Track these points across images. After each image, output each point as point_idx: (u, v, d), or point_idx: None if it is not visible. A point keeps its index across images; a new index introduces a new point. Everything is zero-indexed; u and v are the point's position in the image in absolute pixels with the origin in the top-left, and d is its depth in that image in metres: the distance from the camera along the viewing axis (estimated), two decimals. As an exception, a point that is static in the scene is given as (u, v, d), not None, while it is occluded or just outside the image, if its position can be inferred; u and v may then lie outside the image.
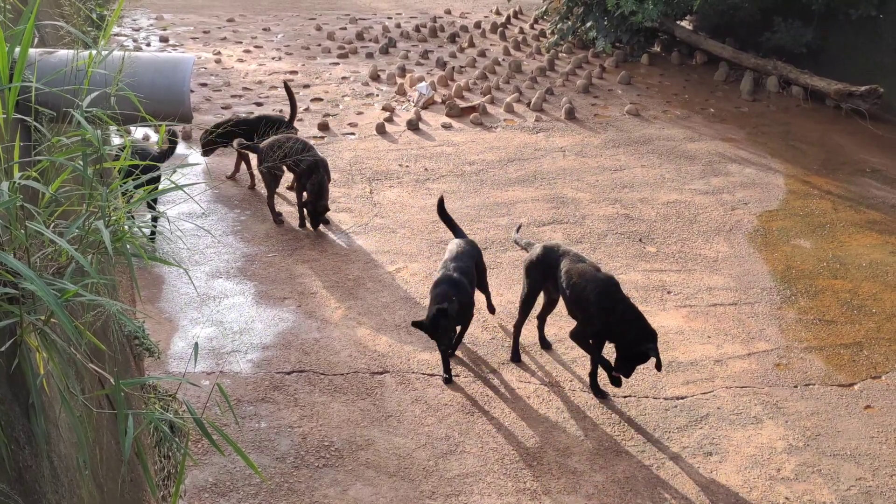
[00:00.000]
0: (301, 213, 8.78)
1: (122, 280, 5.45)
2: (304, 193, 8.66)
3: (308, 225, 8.73)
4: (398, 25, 16.95)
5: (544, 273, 6.62)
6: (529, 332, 7.01)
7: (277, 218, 8.94)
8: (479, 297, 7.03)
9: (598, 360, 6.39)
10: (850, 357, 7.05)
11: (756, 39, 14.19)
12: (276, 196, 9.06)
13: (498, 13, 18.11)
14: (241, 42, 15.31)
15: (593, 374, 6.50)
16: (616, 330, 6.20)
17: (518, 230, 7.35)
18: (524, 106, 12.49)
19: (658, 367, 6.15)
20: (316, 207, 8.55)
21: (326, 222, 8.85)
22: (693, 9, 14.47)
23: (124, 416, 2.71)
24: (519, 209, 9.37)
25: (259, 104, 12.23)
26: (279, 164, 8.59)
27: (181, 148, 10.34)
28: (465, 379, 6.60)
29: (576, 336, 6.42)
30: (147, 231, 3.30)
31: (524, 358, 6.87)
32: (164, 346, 6.71)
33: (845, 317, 7.61)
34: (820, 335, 7.33)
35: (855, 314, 7.65)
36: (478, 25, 16.99)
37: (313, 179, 8.50)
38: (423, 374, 6.62)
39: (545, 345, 7.02)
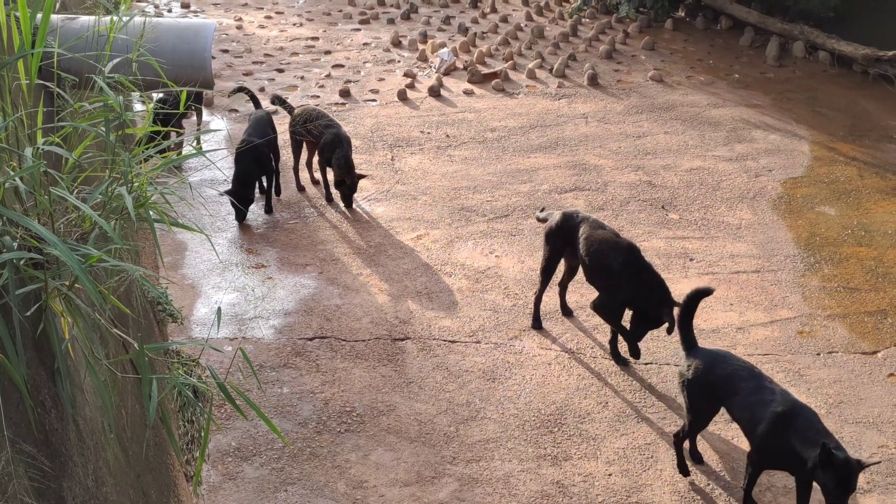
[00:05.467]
0: (326, 186, 8.74)
1: (144, 246, 5.49)
2: (328, 168, 8.59)
3: (341, 203, 8.56)
4: (420, -9, 16.82)
5: (564, 240, 6.60)
6: (551, 300, 7.00)
7: (299, 185, 8.95)
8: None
9: (617, 328, 6.39)
10: (874, 325, 7.00)
11: (782, 3, 13.96)
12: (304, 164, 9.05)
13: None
14: (262, 8, 15.25)
15: (614, 342, 6.50)
16: (639, 296, 6.18)
17: (542, 210, 7.26)
18: (546, 72, 12.40)
19: (669, 330, 6.16)
20: (354, 179, 8.42)
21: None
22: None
23: (148, 380, 2.74)
24: (541, 176, 9.33)
25: (280, 70, 12.21)
26: (301, 131, 8.57)
27: (203, 115, 10.36)
28: (486, 346, 6.62)
29: (598, 307, 6.40)
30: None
31: (545, 325, 6.87)
32: (187, 311, 6.75)
33: (869, 284, 7.55)
34: (843, 303, 7.28)
35: (879, 282, 7.59)
36: (500, -10, 16.83)
37: (338, 154, 8.36)
38: (445, 340, 6.64)
39: (566, 312, 7.02)
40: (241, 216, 8.25)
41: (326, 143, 8.44)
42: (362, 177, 8.55)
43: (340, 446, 5.58)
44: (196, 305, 6.97)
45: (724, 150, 10.11)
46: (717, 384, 5.15)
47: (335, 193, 8.67)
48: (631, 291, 6.21)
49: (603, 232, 6.40)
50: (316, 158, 8.90)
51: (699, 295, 5.45)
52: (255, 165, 8.16)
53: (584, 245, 6.39)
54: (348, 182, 8.40)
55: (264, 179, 8.56)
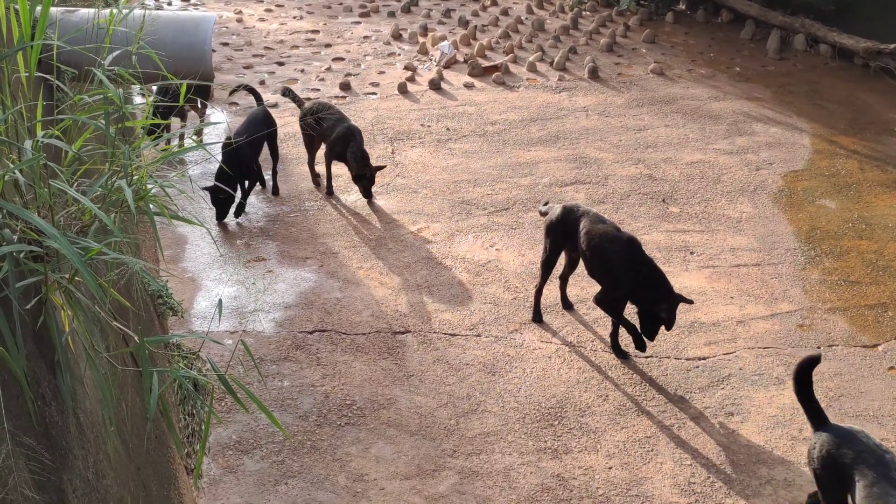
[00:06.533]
0: (329, 180, 8.73)
1: (144, 239, 5.48)
2: (335, 162, 8.59)
3: (342, 196, 8.53)
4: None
5: (564, 234, 6.60)
6: (551, 293, 7.00)
7: (315, 179, 8.93)
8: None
9: (620, 321, 6.39)
10: (875, 318, 7.00)
11: (783, -4, 13.97)
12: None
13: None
14: (262, 1, 15.22)
15: (614, 335, 6.50)
16: (639, 292, 6.19)
17: (545, 204, 7.26)
18: (547, 65, 12.38)
19: (668, 326, 6.18)
20: (372, 171, 8.39)
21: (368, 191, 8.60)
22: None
23: (149, 373, 2.73)
24: (541, 169, 9.32)
25: (281, 63, 12.19)
26: (310, 125, 8.56)
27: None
28: (487, 339, 6.62)
29: (600, 301, 6.40)
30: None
31: (546, 318, 6.87)
32: (188, 304, 6.76)
33: (870, 278, 7.55)
34: (844, 296, 7.27)
35: (880, 275, 7.59)
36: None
37: (353, 148, 8.35)
38: (445, 333, 6.65)
39: (567, 305, 7.01)
40: (220, 214, 8.10)
41: (339, 138, 8.42)
42: (380, 168, 8.54)
43: (341, 439, 5.58)
44: (196, 299, 6.98)
45: (724, 144, 10.10)
46: (842, 467, 4.46)
47: (323, 184, 8.73)
48: (630, 286, 6.21)
49: (603, 226, 6.39)
50: (320, 152, 8.88)
51: (809, 364, 4.80)
52: (233, 165, 7.81)
53: (585, 239, 6.39)
54: (368, 175, 8.40)
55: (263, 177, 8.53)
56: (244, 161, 8.03)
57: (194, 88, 4.15)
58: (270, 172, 8.77)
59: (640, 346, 6.35)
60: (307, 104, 8.87)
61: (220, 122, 9.99)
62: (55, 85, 3.25)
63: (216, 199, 7.95)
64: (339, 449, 5.50)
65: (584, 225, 6.44)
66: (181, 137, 8.65)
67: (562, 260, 6.84)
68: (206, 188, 7.86)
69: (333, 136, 8.44)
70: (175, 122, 9.44)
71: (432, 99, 11.15)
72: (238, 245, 7.81)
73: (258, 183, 8.56)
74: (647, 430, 5.77)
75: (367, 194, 8.50)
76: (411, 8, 15.01)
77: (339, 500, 5.11)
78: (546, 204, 7.21)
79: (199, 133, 9.48)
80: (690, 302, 6.28)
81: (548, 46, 13.07)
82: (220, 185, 7.64)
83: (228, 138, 7.94)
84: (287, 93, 9.18)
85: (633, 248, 6.26)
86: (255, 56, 12.49)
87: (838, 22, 13.09)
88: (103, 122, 2.95)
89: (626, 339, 6.55)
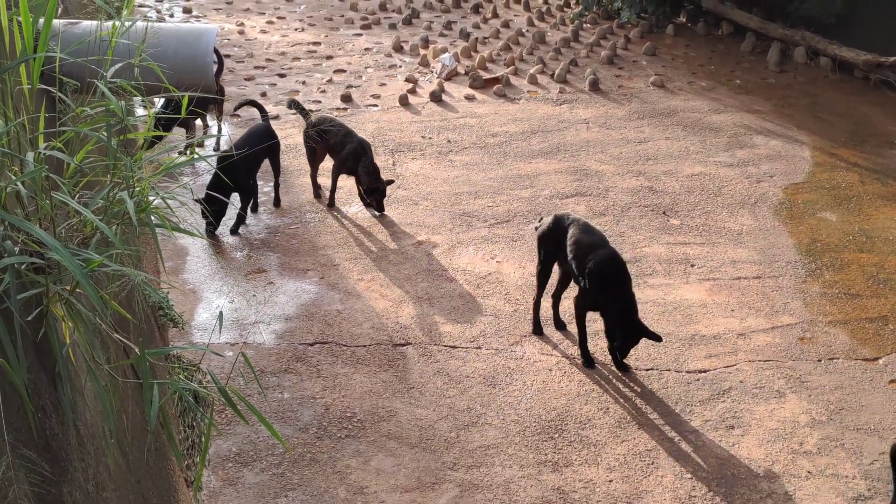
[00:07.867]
0: (332, 192, 8.74)
1: (146, 251, 5.48)
2: (342, 175, 8.62)
3: (374, 210, 8.54)
4: (421, -4, 16.83)
5: (556, 243, 6.57)
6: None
7: (317, 191, 8.93)
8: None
9: (580, 326, 6.44)
10: (875, 331, 7.00)
11: (784, 9, 13.96)
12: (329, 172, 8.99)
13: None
14: (263, 13, 15.27)
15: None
16: (604, 307, 6.25)
17: (540, 220, 7.28)
18: (548, 77, 12.40)
19: (620, 353, 6.33)
20: (384, 185, 8.44)
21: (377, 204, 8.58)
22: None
23: (149, 385, 2.73)
24: (542, 181, 9.33)
25: (282, 75, 12.21)
26: (313, 138, 8.57)
27: (206, 119, 10.36)
28: (487, 351, 6.61)
29: (577, 304, 6.43)
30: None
31: (546, 331, 6.87)
32: (188, 316, 6.75)
33: (871, 290, 7.54)
34: (845, 309, 7.27)
35: (881, 288, 7.58)
36: (501, -4, 16.83)
37: (364, 162, 8.39)
38: (446, 346, 6.64)
39: (559, 325, 6.92)
40: (210, 228, 7.98)
41: (351, 153, 8.43)
42: (389, 182, 8.57)
43: (341, 452, 5.57)
44: (197, 310, 6.97)
45: (725, 156, 10.11)
46: None
47: (325, 196, 8.74)
48: (597, 298, 6.24)
49: (589, 236, 6.38)
50: (323, 164, 8.88)
51: None
52: (227, 178, 7.47)
53: (569, 248, 6.40)
54: (380, 188, 8.43)
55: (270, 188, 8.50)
56: (238, 174, 7.90)
57: (196, 101, 4.15)
58: (272, 185, 8.78)
59: (618, 364, 6.43)
60: (312, 117, 8.89)
61: (223, 135, 10.00)
62: (57, 97, 3.26)
63: (207, 209, 7.81)
64: (339, 461, 5.49)
65: (571, 234, 6.44)
66: (188, 148, 8.63)
67: (555, 276, 6.79)
68: (199, 200, 7.80)
69: (345, 152, 8.46)
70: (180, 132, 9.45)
71: (433, 111, 11.17)
72: (238, 257, 7.81)
73: (250, 204, 8.42)
74: (648, 444, 5.76)
75: (380, 208, 8.51)
76: (412, 20, 15.05)
77: (339, 513, 5.10)
78: (541, 220, 7.20)
79: (198, 146, 9.48)
80: (658, 339, 6.25)
81: (549, 59, 13.10)
82: (213, 193, 7.55)
83: (227, 149, 7.92)
84: (293, 105, 9.20)
85: (612, 265, 6.25)
86: (256, 68, 12.52)
87: (838, 35, 13.12)
88: (105, 133, 2.95)
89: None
